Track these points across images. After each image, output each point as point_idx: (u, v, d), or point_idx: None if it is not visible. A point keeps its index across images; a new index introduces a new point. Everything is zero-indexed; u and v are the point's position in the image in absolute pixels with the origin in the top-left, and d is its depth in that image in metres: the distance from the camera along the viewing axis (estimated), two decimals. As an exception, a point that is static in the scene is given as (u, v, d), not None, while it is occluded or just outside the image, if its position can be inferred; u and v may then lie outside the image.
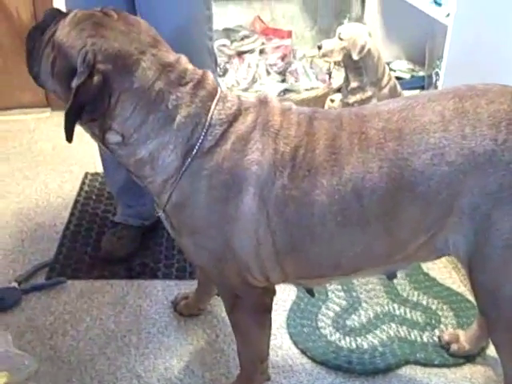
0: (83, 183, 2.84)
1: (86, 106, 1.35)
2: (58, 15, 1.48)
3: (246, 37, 3.16)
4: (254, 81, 3.02)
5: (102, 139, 1.44)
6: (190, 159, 1.39)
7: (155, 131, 1.39)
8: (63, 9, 1.58)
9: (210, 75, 1.47)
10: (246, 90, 2.98)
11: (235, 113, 1.41)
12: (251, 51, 3.09)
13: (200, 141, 1.38)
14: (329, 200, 1.36)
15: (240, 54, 3.11)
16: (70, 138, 1.38)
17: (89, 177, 2.90)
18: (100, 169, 2.60)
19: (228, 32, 3.10)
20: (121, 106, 1.37)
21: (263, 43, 3.15)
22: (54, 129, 3.34)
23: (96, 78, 1.33)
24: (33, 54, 1.47)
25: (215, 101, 1.41)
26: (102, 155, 2.29)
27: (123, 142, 1.42)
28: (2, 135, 3.31)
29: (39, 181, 2.88)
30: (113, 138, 1.42)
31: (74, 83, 1.34)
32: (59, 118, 3.36)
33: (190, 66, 1.45)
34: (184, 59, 1.45)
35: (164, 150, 1.40)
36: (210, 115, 1.39)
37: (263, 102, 1.45)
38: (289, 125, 1.41)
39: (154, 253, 2.37)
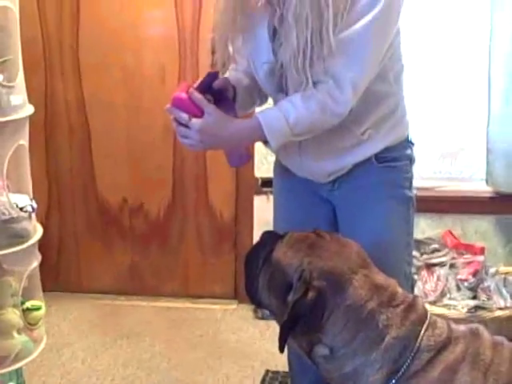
0: (263, 380, 2.86)
1: (300, 320, 1.42)
2: (273, 237, 1.63)
3: (437, 250, 3.18)
4: (442, 295, 2.98)
5: (308, 352, 1.48)
6: (394, 381, 1.38)
7: (363, 348, 1.41)
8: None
9: (421, 300, 1.51)
10: (433, 303, 2.93)
11: (445, 340, 1.41)
12: (441, 264, 3.09)
13: (407, 364, 1.38)
14: None
15: (429, 266, 3.11)
16: (282, 348, 1.45)
17: (269, 374, 2.91)
18: (281, 367, 2.61)
19: (418, 244, 3.14)
20: (333, 321, 1.43)
21: (454, 257, 3.14)
22: (239, 321, 3.45)
23: (311, 294, 1.42)
24: (251, 272, 1.61)
25: (425, 326, 1.42)
26: (289, 360, 2.30)
27: (330, 356, 1.45)
28: (191, 322, 3.48)
29: (221, 372, 2.94)
30: (321, 351, 1.46)
31: (291, 298, 1.44)
32: (244, 311, 3.58)
33: (400, 290, 1.50)
34: (394, 282, 1.51)
35: (369, 368, 1.41)
36: (419, 340, 1.40)
37: (474, 334, 1.44)
38: (500, 360, 1.39)
39: None
